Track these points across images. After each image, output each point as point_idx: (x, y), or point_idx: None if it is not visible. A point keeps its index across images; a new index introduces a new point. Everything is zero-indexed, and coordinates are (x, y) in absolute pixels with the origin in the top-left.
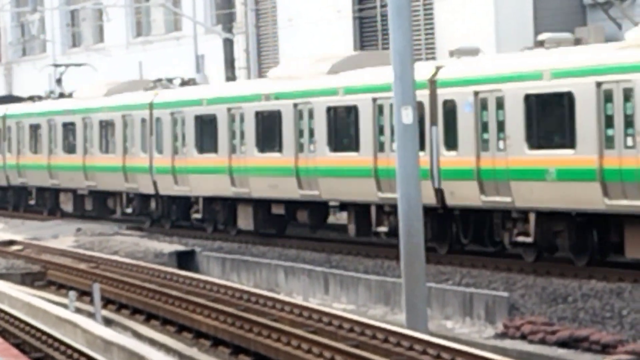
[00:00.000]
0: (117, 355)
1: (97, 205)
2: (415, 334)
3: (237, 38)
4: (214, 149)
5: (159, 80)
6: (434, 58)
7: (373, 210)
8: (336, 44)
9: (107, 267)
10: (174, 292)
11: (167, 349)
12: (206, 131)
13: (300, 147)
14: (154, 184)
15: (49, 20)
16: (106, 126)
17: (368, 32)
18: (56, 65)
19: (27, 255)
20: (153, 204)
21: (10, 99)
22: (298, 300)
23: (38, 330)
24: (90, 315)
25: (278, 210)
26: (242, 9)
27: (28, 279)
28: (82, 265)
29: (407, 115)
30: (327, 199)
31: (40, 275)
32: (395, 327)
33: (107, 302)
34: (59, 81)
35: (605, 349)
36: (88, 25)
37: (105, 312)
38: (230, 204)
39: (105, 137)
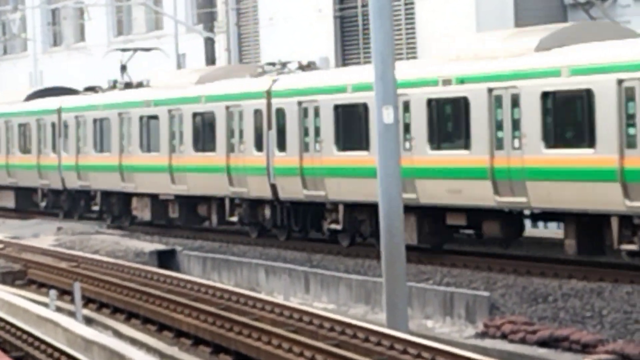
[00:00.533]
0: (98, 354)
1: (185, 212)
2: (395, 333)
3: (218, 37)
4: (363, 145)
5: (271, 64)
6: (415, 57)
7: (615, 222)
8: (317, 43)
9: (87, 266)
10: (155, 291)
11: (148, 348)
12: (350, 124)
13: (498, 143)
14: (272, 187)
15: (30, 19)
16: (202, 119)
17: (349, 31)
18: (123, 50)
19: (8, 254)
20: (267, 212)
21: (61, 90)
22: (279, 299)
23: (19, 329)
24: (71, 314)
25: (456, 220)
26: (223, 8)
27: (8, 278)
28: (63, 264)
29: (388, 115)
30: (538, 207)
31: (20, 274)
32: (376, 326)
33: (87, 301)
34: (123, 68)
35: (586, 348)
36: (69, 24)
37: (85, 311)
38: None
39: (201, 132)
